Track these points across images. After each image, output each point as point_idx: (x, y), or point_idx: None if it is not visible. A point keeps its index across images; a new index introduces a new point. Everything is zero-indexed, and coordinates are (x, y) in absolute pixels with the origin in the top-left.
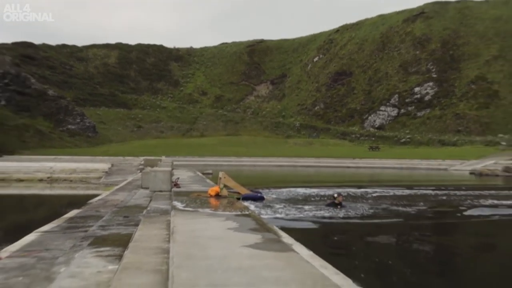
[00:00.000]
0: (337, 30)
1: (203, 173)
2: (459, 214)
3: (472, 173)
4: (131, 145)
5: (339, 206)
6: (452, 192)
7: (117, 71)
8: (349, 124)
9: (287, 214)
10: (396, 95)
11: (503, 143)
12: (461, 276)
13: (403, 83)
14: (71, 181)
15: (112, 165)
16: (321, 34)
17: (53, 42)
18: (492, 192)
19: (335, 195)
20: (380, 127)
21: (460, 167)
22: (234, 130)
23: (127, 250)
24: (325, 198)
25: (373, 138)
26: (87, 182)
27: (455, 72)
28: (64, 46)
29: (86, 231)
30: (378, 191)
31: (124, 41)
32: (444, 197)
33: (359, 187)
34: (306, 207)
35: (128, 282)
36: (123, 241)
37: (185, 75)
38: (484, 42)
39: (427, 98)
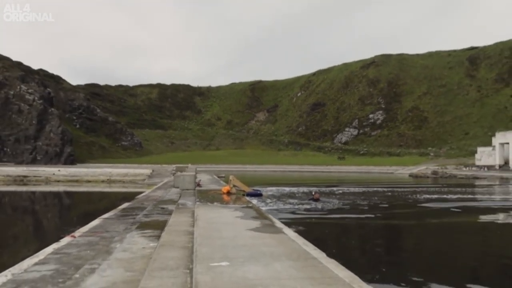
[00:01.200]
0: (313, 74)
1: (218, 176)
2: (402, 204)
3: (410, 175)
4: (166, 156)
5: (317, 201)
6: (395, 189)
7: (157, 103)
8: (323, 141)
9: (278, 206)
10: (356, 120)
11: (431, 154)
12: (403, 244)
13: (361, 111)
14: (123, 182)
15: (153, 170)
16: (302, 76)
17: (112, 83)
18: (424, 188)
19: (313, 192)
20: (345, 143)
21: (402, 171)
22: (240, 145)
23: (163, 232)
24: (305, 195)
25: (340, 151)
26: (135, 182)
27: (397, 104)
28: (120, 86)
29: (134, 218)
30: (343, 189)
31: (162, 82)
32: (390, 193)
33: (330, 186)
34: (292, 200)
35: (165, 255)
36: (160, 226)
37: (205, 106)
38: (416, 83)
39: (378, 122)
